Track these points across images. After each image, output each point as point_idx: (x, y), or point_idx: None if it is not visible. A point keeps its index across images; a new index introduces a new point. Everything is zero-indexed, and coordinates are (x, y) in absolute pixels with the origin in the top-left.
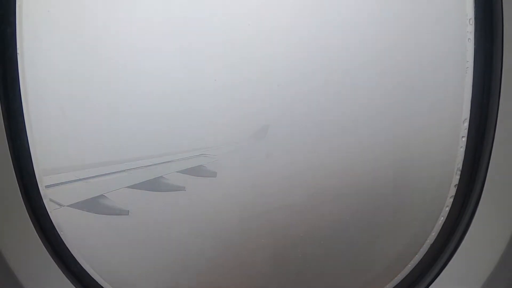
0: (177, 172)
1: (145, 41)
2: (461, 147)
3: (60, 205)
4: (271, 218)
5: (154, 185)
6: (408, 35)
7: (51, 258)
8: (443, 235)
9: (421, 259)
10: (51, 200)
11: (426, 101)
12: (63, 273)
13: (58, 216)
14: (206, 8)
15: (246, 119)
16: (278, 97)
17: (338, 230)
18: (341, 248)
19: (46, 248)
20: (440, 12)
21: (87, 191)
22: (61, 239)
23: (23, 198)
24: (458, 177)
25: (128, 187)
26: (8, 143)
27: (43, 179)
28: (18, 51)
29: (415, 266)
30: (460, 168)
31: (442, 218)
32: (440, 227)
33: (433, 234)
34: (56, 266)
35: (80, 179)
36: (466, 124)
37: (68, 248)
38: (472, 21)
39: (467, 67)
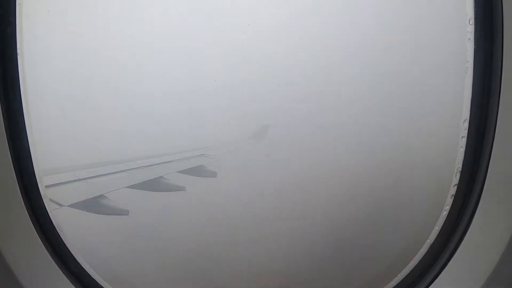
0: (177, 172)
1: (145, 41)
2: (461, 147)
3: (60, 205)
4: (271, 217)
5: (154, 185)
6: (408, 35)
7: (51, 258)
8: (443, 235)
9: (421, 259)
10: (51, 200)
11: (426, 101)
12: (63, 273)
13: (58, 216)
14: (206, 9)
15: (246, 119)
16: (278, 97)
17: (338, 230)
18: (341, 248)
19: (46, 248)
20: (440, 12)
21: (87, 191)
22: (61, 239)
23: (23, 198)
24: (458, 177)
25: (128, 187)
26: (8, 143)
27: (43, 179)
28: (18, 51)
29: (415, 266)
30: (460, 168)
31: (442, 218)
32: (440, 227)
33: (433, 234)
34: (56, 266)
35: (80, 179)
36: (466, 124)
37: (68, 248)
38: (472, 21)
39: (467, 67)
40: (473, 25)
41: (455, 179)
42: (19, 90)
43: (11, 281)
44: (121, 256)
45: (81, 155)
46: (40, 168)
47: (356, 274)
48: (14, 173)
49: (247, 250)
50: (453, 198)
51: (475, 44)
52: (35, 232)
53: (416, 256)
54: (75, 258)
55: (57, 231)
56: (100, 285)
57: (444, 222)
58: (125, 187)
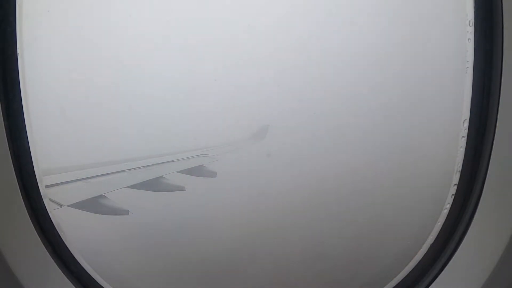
0: (177, 172)
1: (145, 41)
2: (461, 147)
3: (60, 205)
4: (272, 217)
5: (154, 185)
6: (408, 36)
7: (51, 258)
8: (443, 235)
9: (421, 259)
10: (51, 200)
11: (426, 101)
12: (63, 273)
13: (58, 216)
14: (206, 9)
15: (246, 119)
16: (278, 97)
17: (338, 230)
18: (341, 248)
19: (46, 248)
20: (440, 12)
21: (87, 191)
22: (61, 239)
23: (23, 198)
24: (458, 177)
25: (128, 187)
26: (8, 143)
27: (43, 179)
28: (18, 51)
29: (415, 266)
30: (460, 168)
31: (442, 218)
32: (440, 227)
33: (433, 234)
34: (56, 266)
35: (80, 179)
36: (466, 124)
37: (68, 248)
38: (472, 22)
39: (467, 67)
40: (473, 26)
41: (455, 179)
42: (19, 90)
43: (11, 281)
44: (121, 256)
45: (81, 155)
46: (40, 168)
47: (356, 274)
48: (14, 173)
49: (247, 250)
50: (453, 198)
51: (475, 44)
52: (35, 232)
53: (416, 256)
54: (75, 258)
55: (57, 231)
56: (100, 285)
57: (444, 222)
58: (125, 187)
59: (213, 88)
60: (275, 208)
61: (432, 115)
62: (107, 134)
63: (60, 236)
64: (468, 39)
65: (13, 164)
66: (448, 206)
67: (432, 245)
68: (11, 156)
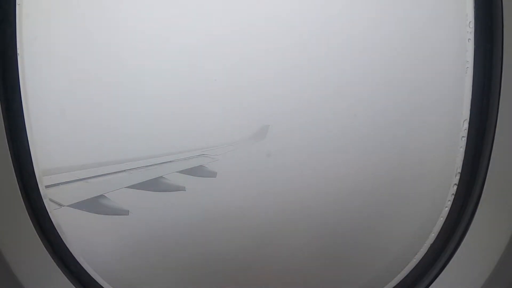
0: (177, 172)
1: (145, 42)
2: (461, 147)
3: (60, 205)
4: (272, 217)
5: (154, 185)
6: (408, 36)
7: (51, 258)
8: (443, 235)
9: (421, 259)
10: (51, 200)
11: (426, 101)
12: (63, 273)
13: (58, 216)
14: (206, 9)
15: (246, 119)
16: (278, 97)
17: (338, 230)
18: (341, 247)
19: (46, 248)
20: (440, 12)
21: (87, 191)
22: (61, 239)
23: (23, 198)
24: (458, 177)
25: (128, 187)
26: (8, 143)
27: (43, 179)
28: (18, 51)
29: (415, 266)
30: (460, 168)
31: (442, 218)
32: (440, 227)
33: (433, 234)
34: (56, 266)
35: (80, 179)
36: (466, 124)
37: (68, 248)
38: (472, 22)
39: (467, 67)
40: (473, 26)
41: (455, 179)
42: (19, 90)
43: (11, 281)
44: (121, 255)
45: (81, 155)
46: (40, 168)
47: (356, 274)
48: (14, 173)
49: (247, 249)
50: (453, 198)
51: (475, 44)
52: (35, 232)
53: (416, 256)
54: (75, 258)
55: (57, 231)
56: (100, 285)
57: (444, 222)
58: (125, 187)
59: (213, 88)
60: (275, 208)
61: (432, 115)
62: (107, 134)
63: (60, 236)
64: (468, 39)
65: (13, 164)
66: (448, 206)
67: (432, 245)
68: (11, 156)
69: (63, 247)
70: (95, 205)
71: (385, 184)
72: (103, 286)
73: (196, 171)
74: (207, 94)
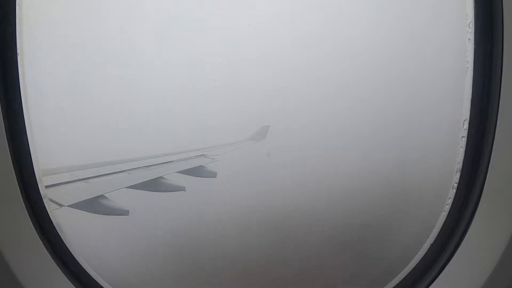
0: (177, 172)
1: (146, 42)
2: (461, 147)
3: (60, 205)
4: (272, 218)
5: (154, 185)
6: (408, 36)
7: (51, 258)
8: (443, 235)
9: (421, 259)
10: (51, 200)
11: (426, 101)
12: (63, 273)
13: (58, 216)
14: (206, 9)
15: (246, 120)
16: (278, 97)
17: (338, 230)
18: (341, 248)
19: (46, 248)
20: (440, 12)
21: (87, 191)
22: (61, 239)
23: (23, 198)
24: (458, 177)
25: (128, 187)
26: (8, 143)
27: (43, 179)
28: (18, 51)
29: (415, 266)
30: (460, 168)
31: (442, 218)
32: (440, 227)
33: (433, 234)
34: (56, 266)
35: (80, 179)
36: (466, 124)
37: (68, 248)
38: (472, 22)
39: (467, 67)
40: (473, 26)
41: (455, 179)
42: (19, 90)
43: (11, 281)
44: (121, 256)
45: (81, 155)
46: (40, 168)
47: (356, 274)
48: (14, 173)
49: (248, 250)
50: (453, 198)
51: (475, 44)
52: (35, 232)
53: (416, 256)
54: (75, 258)
55: (57, 231)
56: (100, 285)
57: (444, 222)
58: (125, 187)
59: (213, 88)
60: (275, 208)
61: (432, 115)
62: (107, 134)
63: (60, 236)
64: (468, 39)
65: (13, 164)
66: (448, 206)
67: (432, 245)
68: (11, 156)
69: (63, 247)
70: (95, 205)
71: (385, 184)
72: (103, 286)
73: (196, 171)
74: (207, 94)
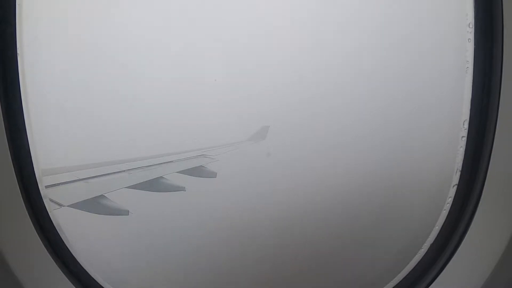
0: (177, 172)
1: (145, 41)
2: (461, 147)
3: (60, 205)
4: (272, 218)
5: (154, 185)
6: (408, 36)
7: (51, 258)
8: (443, 235)
9: (421, 259)
10: (51, 200)
11: (426, 101)
12: (63, 273)
13: (58, 216)
14: (206, 9)
15: (246, 120)
16: (279, 98)
17: (338, 230)
18: (341, 248)
19: (46, 248)
20: (440, 12)
21: (87, 191)
22: (61, 239)
23: (23, 198)
24: (458, 177)
25: (128, 187)
26: (8, 143)
27: (43, 179)
28: (18, 51)
29: (415, 266)
30: (460, 168)
31: (442, 218)
32: (440, 227)
33: (433, 234)
34: (56, 266)
35: (80, 179)
36: (466, 124)
37: (68, 248)
38: (472, 22)
39: (467, 67)
40: (473, 26)
41: (455, 179)
42: (19, 90)
43: (11, 281)
44: (121, 256)
45: (81, 155)
46: (40, 168)
47: (356, 274)
48: (14, 173)
49: (248, 250)
50: (453, 198)
51: (475, 44)
52: (35, 232)
53: (416, 256)
54: (75, 258)
55: (57, 231)
56: (100, 285)
57: (444, 222)
58: (125, 187)
59: (213, 88)
60: (275, 208)
61: (432, 115)
62: (107, 134)
63: (60, 236)
64: (468, 39)
65: (13, 164)
66: (448, 206)
67: (432, 245)
68: (11, 156)
69: (63, 247)
70: (95, 205)
71: (385, 184)
72: (103, 286)
73: (196, 172)
74: (207, 94)
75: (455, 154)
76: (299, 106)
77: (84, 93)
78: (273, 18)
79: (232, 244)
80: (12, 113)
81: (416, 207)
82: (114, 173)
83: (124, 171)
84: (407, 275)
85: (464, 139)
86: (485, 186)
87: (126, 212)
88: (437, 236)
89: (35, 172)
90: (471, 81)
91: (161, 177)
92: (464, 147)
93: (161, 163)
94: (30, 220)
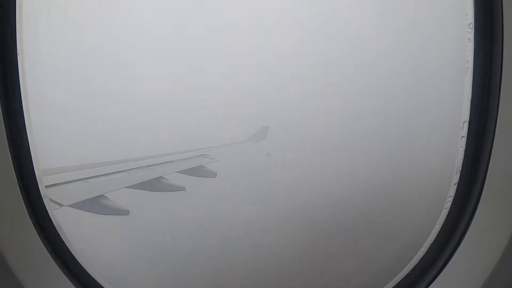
0: (177, 172)
1: (145, 42)
2: (461, 147)
3: (60, 205)
4: (271, 218)
5: (154, 185)
6: (408, 36)
7: (51, 258)
8: (443, 235)
9: (421, 259)
10: (51, 200)
11: (426, 101)
12: (63, 273)
13: (58, 216)
14: (206, 9)
15: (246, 120)
16: (278, 97)
17: (338, 230)
18: (341, 248)
19: (46, 248)
20: (440, 13)
21: (87, 191)
22: (61, 239)
23: (23, 198)
24: (458, 177)
25: (128, 187)
26: (8, 143)
27: (43, 179)
28: (18, 51)
29: (415, 266)
30: (460, 168)
31: (442, 218)
32: (440, 227)
33: (433, 233)
34: (56, 266)
35: (80, 179)
36: (466, 124)
37: (68, 248)
38: (472, 22)
39: (467, 67)
40: (473, 26)
41: (455, 179)
42: (19, 90)
43: (11, 281)
44: (121, 255)
45: (81, 155)
46: (40, 168)
47: (356, 273)
48: (14, 173)
49: (247, 249)
50: (453, 198)
51: (475, 44)
52: (35, 232)
53: (416, 255)
54: (75, 258)
55: (57, 231)
56: (100, 285)
57: (444, 222)
58: (125, 187)
59: (213, 89)
60: (275, 207)
61: (432, 115)
62: (107, 134)
63: (60, 236)
64: (468, 39)
65: (13, 164)
66: (448, 206)
67: (432, 245)
68: (11, 156)
69: (63, 247)
70: (95, 205)
71: (385, 184)
72: (103, 285)
73: (196, 171)
74: (207, 94)
75: (455, 154)
76: (299, 106)
77: (84, 93)
78: (272, 18)
79: (232, 243)
80: (12, 113)
81: (416, 206)
82: (114, 173)
83: (124, 171)
84: (407, 275)
85: (464, 139)
86: (485, 186)
87: (126, 212)
88: (437, 235)
89: (35, 172)
90: (471, 81)
91: (161, 177)
92: (464, 147)
93: (161, 163)
94: (30, 220)
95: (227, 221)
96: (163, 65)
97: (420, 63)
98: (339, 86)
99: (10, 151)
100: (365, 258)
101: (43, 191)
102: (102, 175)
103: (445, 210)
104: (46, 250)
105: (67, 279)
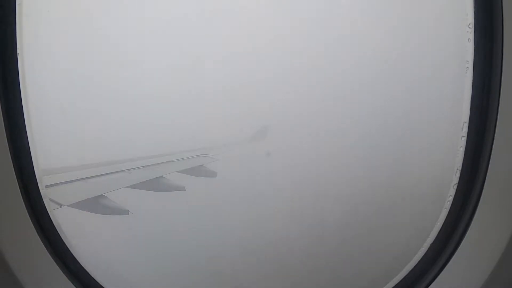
0: (177, 172)
1: (145, 42)
2: (461, 147)
3: (60, 205)
4: (271, 217)
5: (154, 185)
6: (408, 36)
7: (51, 258)
8: (443, 235)
9: (421, 259)
10: (51, 200)
11: (426, 101)
12: (63, 273)
13: (58, 216)
14: (206, 9)
15: (246, 120)
16: (278, 97)
17: (338, 230)
18: (341, 248)
19: (46, 248)
20: (440, 13)
21: (87, 191)
22: (61, 239)
23: (23, 198)
24: (458, 176)
25: (128, 187)
26: (8, 143)
27: (43, 179)
28: (18, 51)
29: (415, 266)
30: (460, 168)
31: (442, 218)
32: (440, 227)
33: (433, 234)
34: (56, 266)
35: (80, 179)
36: (466, 124)
37: (68, 248)
38: (472, 22)
39: (467, 67)
40: (473, 26)
41: (455, 179)
42: (19, 90)
43: (11, 281)
44: (121, 255)
45: (81, 155)
46: (40, 168)
47: (356, 274)
48: (14, 173)
49: (247, 249)
50: (453, 197)
51: (475, 44)
52: (35, 232)
53: (417, 255)
54: (75, 258)
55: (57, 231)
56: (100, 285)
57: (444, 222)
58: (125, 187)
59: (213, 89)
60: (274, 207)
61: (432, 115)
62: (107, 134)
63: (60, 236)
64: (468, 39)
65: (13, 164)
66: (448, 205)
67: (432, 245)
68: (11, 156)
69: (63, 247)
70: (95, 205)
71: (385, 184)
72: (103, 285)
73: (196, 171)
74: (207, 94)
75: (455, 154)
76: (299, 106)
77: (84, 93)
78: (273, 19)
79: (232, 243)
80: (12, 113)
81: (416, 207)
82: (114, 172)
83: (124, 170)
84: (407, 275)
85: (464, 139)
86: (485, 186)
87: (126, 212)
88: (437, 236)
89: (35, 172)
90: (471, 81)
91: (161, 176)
92: (464, 147)
93: (161, 163)
94: (30, 220)
95: (227, 220)
96: (163, 65)
97: (420, 63)
98: (339, 86)
99: (10, 151)
100: (365, 258)
101: (43, 191)
102: (102, 175)
103: (445, 210)
104: (46, 250)
105: (67, 279)
